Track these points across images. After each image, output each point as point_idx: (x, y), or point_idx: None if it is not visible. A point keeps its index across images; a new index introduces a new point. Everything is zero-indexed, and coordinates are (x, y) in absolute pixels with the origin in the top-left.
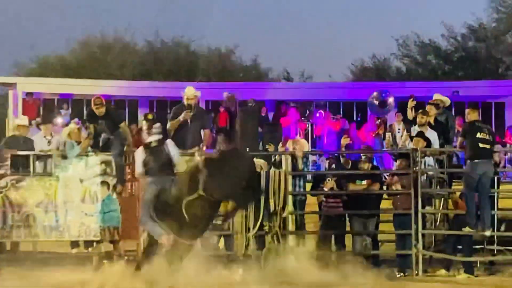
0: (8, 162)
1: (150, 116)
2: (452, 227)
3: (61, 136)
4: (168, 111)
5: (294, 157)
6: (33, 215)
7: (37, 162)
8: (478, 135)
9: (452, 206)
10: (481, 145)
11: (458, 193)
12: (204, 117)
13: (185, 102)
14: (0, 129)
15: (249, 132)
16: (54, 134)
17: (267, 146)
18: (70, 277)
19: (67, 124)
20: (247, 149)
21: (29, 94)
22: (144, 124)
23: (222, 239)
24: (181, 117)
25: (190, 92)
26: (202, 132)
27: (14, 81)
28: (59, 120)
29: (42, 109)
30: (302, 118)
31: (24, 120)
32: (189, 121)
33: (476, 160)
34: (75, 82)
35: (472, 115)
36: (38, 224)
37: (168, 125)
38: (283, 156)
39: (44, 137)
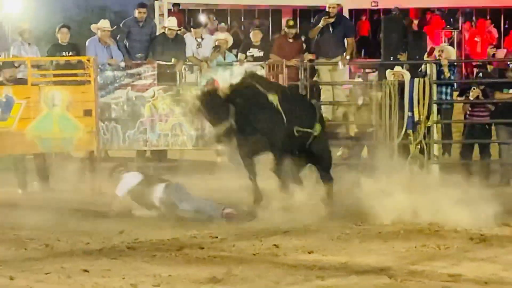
0: (155, 72)
1: (291, 23)
2: None
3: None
4: (312, 21)
5: (440, 65)
6: (181, 124)
7: (183, 71)
8: None
9: None
10: None
11: None
12: (346, 25)
13: (327, 10)
14: None
15: (392, 41)
16: (205, 37)
17: (398, 56)
18: (221, 184)
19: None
20: (391, 58)
21: (175, 4)
22: (286, 29)
23: (365, 148)
24: (320, 24)
25: (333, 0)
26: (345, 41)
27: None
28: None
29: (187, 19)
30: (448, 26)
31: (173, 22)
32: (331, 29)
33: None
34: None
35: None
36: (185, 133)
37: (310, 33)
38: (428, 65)
39: (196, 38)
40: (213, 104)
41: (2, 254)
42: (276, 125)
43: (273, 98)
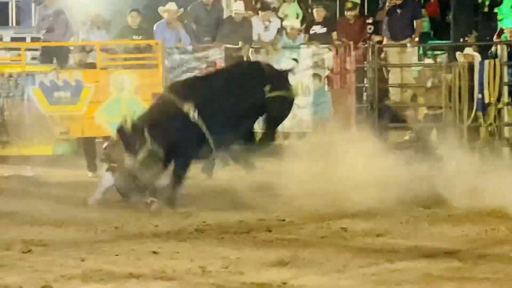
0: (222, 55)
1: (349, 5)
2: None
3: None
4: (379, 3)
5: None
6: None
7: (250, 55)
8: None
9: None
10: None
11: None
12: (414, 6)
13: None
14: None
15: (462, 23)
16: (272, 20)
17: (466, 38)
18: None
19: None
20: (461, 40)
21: None
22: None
23: (434, 131)
24: (386, 5)
25: None
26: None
27: None
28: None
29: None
30: None
31: (240, 5)
32: (398, 10)
33: None
34: None
35: None
36: None
37: (377, 15)
38: (499, 46)
39: (263, 22)
40: (127, 137)
41: (72, 236)
42: (187, 133)
43: (188, 107)
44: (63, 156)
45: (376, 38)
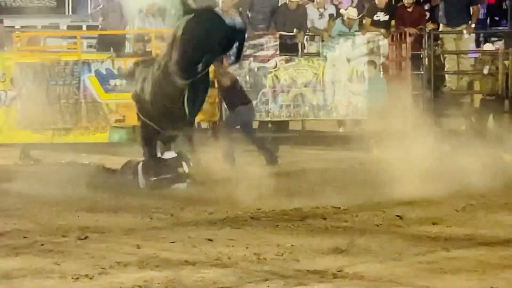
0: (277, 42)
1: None
2: None
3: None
4: None
5: None
6: (302, 95)
7: (305, 42)
8: None
9: None
10: None
11: None
12: None
13: None
14: None
15: None
16: (327, 8)
17: None
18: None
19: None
20: None
21: None
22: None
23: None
24: None
25: None
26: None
27: None
28: None
29: None
30: None
31: None
32: None
33: None
34: None
35: None
36: (306, 103)
37: (433, 0)
38: None
39: (317, 9)
40: None
41: (128, 222)
42: None
43: None
44: (119, 144)
45: (430, 25)
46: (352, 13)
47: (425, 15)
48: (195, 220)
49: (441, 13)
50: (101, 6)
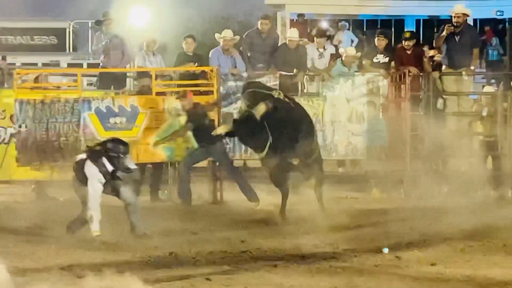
0: (277, 82)
1: (407, 35)
2: None
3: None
4: (435, 31)
5: None
6: None
7: (305, 82)
8: None
9: None
10: None
11: None
12: (473, 34)
13: (453, 20)
14: None
15: None
16: (327, 48)
17: None
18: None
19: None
20: None
21: (300, 15)
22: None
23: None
24: (444, 32)
25: (458, 9)
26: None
27: (282, 2)
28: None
29: (309, 29)
30: None
31: (294, 33)
32: (457, 38)
33: None
34: (341, 2)
35: None
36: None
37: (435, 42)
38: None
39: (317, 49)
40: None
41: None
42: None
43: None
44: None
45: (430, 52)
46: (351, 51)
47: (424, 56)
48: (194, 259)
49: (443, 55)
50: (103, 43)
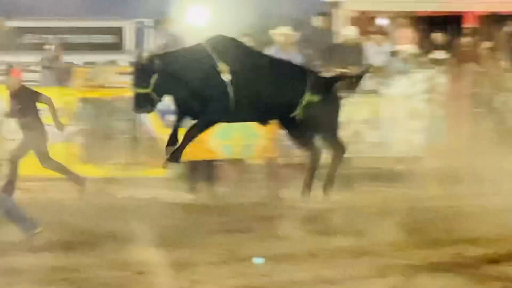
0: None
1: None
2: None
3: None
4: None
5: None
6: (359, 132)
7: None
8: None
9: None
10: None
11: None
12: None
13: None
14: None
15: None
16: (385, 45)
17: None
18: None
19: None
20: None
21: (358, 12)
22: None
23: None
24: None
25: None
26: None
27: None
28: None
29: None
30: None
31: (351, 30)
32: None
33: None
34: None
35: None
36: (363, 140)
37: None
38: None
39: (375, 46)
40: None
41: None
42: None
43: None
44: (177, 178)
45: (487, 43)
46: (408, 48)
47: (484, 52)
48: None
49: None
50: (163, 42)
